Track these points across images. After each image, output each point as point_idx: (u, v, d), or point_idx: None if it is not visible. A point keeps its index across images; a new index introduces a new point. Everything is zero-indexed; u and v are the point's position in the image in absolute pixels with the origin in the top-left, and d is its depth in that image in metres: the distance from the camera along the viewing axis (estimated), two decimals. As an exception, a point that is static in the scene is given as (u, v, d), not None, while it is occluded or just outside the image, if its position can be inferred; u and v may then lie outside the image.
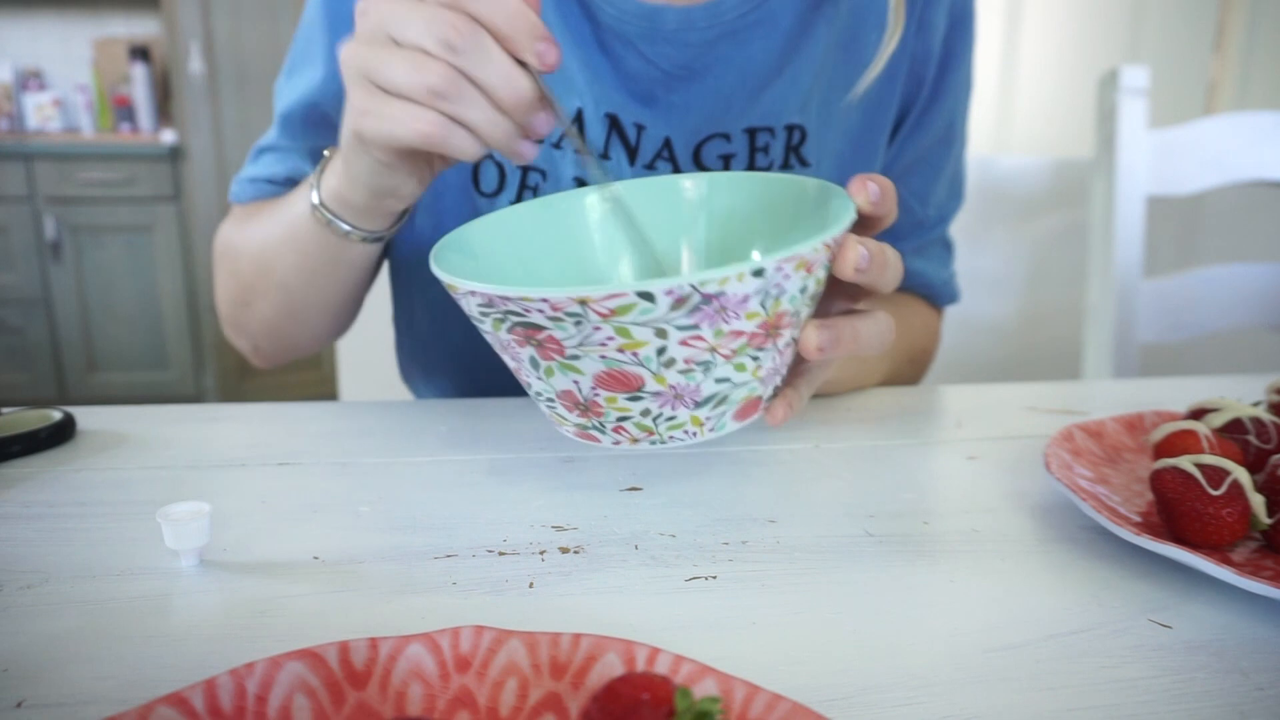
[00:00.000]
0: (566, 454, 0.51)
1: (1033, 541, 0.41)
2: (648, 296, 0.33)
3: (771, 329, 0.37)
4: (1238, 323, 1.06)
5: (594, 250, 0.49)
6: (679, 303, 0.33)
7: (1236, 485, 0.37)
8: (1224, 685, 0.30)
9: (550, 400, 0.40)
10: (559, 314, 0.34)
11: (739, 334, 0.36)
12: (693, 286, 0.33)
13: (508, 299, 0.34)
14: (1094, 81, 1.04)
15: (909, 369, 0.72)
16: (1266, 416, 0.45)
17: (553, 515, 0.43)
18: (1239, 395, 0.54)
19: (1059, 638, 0.33)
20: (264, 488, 0.45)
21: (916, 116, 0.66)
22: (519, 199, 0.61)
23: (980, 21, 0.70)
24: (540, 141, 0.42)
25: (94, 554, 0.38)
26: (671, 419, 0.39)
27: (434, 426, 0.55)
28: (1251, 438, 0.44)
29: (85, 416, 0.55)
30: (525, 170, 0.60)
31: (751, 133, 0.61)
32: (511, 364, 0.40)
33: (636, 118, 0.60)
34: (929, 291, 0.74)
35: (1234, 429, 0.45)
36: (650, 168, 0.61)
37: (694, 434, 0.40)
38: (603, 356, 0.36)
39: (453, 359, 0.70)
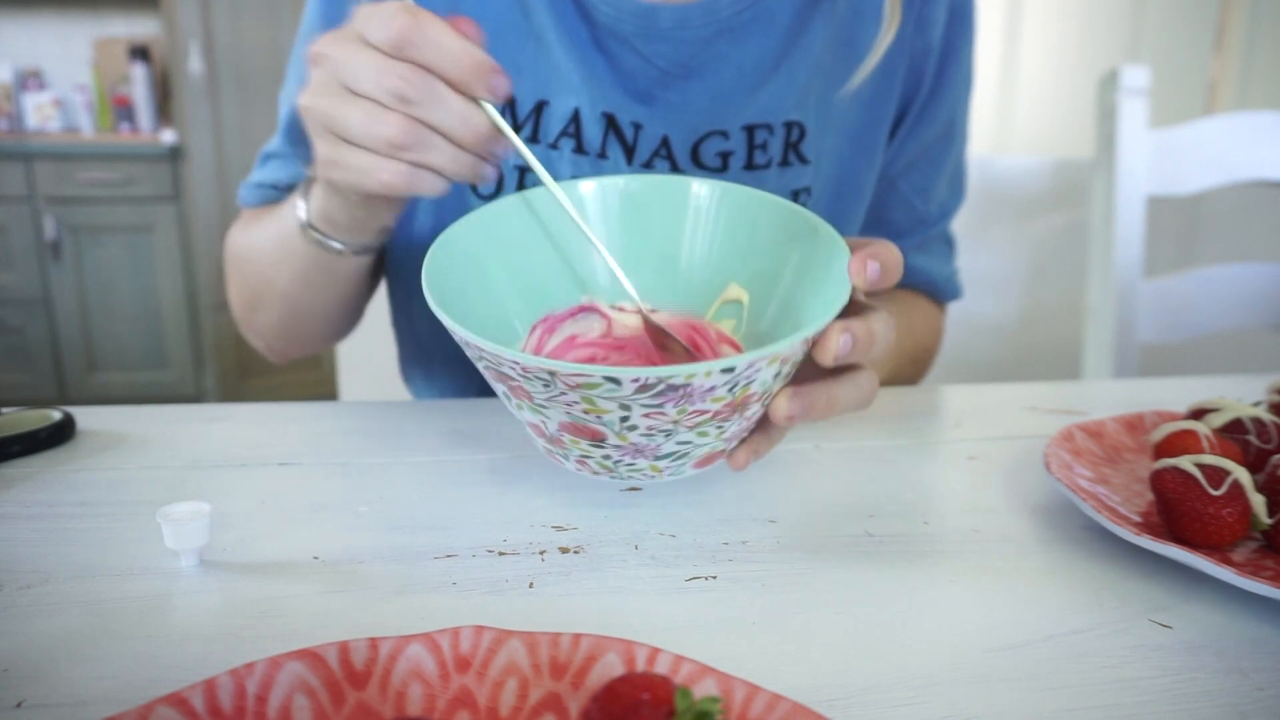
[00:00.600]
0: (566, 454, 0.51)
1: (1033, 541, 0.41)
2: (614, 381, 0.33)
3: (739, 407, 0.37)
4: (1238, 323, 1.06)
5: (579, 247, 0.49)
6: (643, 389, 0.34)
7: (1237, 485, 0.37)
8: (1224, 685, 0.30)
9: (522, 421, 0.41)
10: (529, 375, 0.35)
11: (703, 412, 0.36)
12: (660, 378, 0.33)
13: (483, 351, 0.35)
14: (1094, 81, 1.04)
15: (911, 368, 0.72)
16: (1266, 416, 0.45)
17: (553, 515, 0.43)
18: (1239, 395, 0.54)
19: (1059, 638, 0.33)
20: (264, 488, 0.45)
21: (917, 112, 0.66)
22: None
23: (980, 20, 0.69)
24: (499, 161, 0.43)
25: (94, 554, 0.38)
26: (632, 465, 0.40)
27: (434, 426, 0.55)
28: (1251, 438, 0.44)
29: (85, 416, 0.55)
30: (522, 171, 0.60)
31: (750, 130, 0.61)
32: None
33: (634, 116, 0.60)
34: (932, 288, 0.74)
35: (1234, 429, 0.45)
36: (648, 166, 0.61)
37: (653, 477, 0.41)
38: (568, 412, 0.36)
39: (452, 359, 0.70)
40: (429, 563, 0.38)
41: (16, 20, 3.21)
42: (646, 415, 0.35)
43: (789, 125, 0.62)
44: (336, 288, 0.58)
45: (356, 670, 0.26)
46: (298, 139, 0.63)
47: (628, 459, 0.39)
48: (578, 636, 0.27)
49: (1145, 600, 0.36)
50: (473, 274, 0.45)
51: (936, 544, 0.40)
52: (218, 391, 3.08)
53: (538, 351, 0.46)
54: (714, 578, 0.37)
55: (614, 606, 0.35)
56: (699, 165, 0.61)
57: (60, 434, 0.51)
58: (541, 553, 0.39)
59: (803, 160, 0.63)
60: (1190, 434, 0.43)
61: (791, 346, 0.35)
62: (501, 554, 0.39)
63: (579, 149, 0.60)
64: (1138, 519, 0.41)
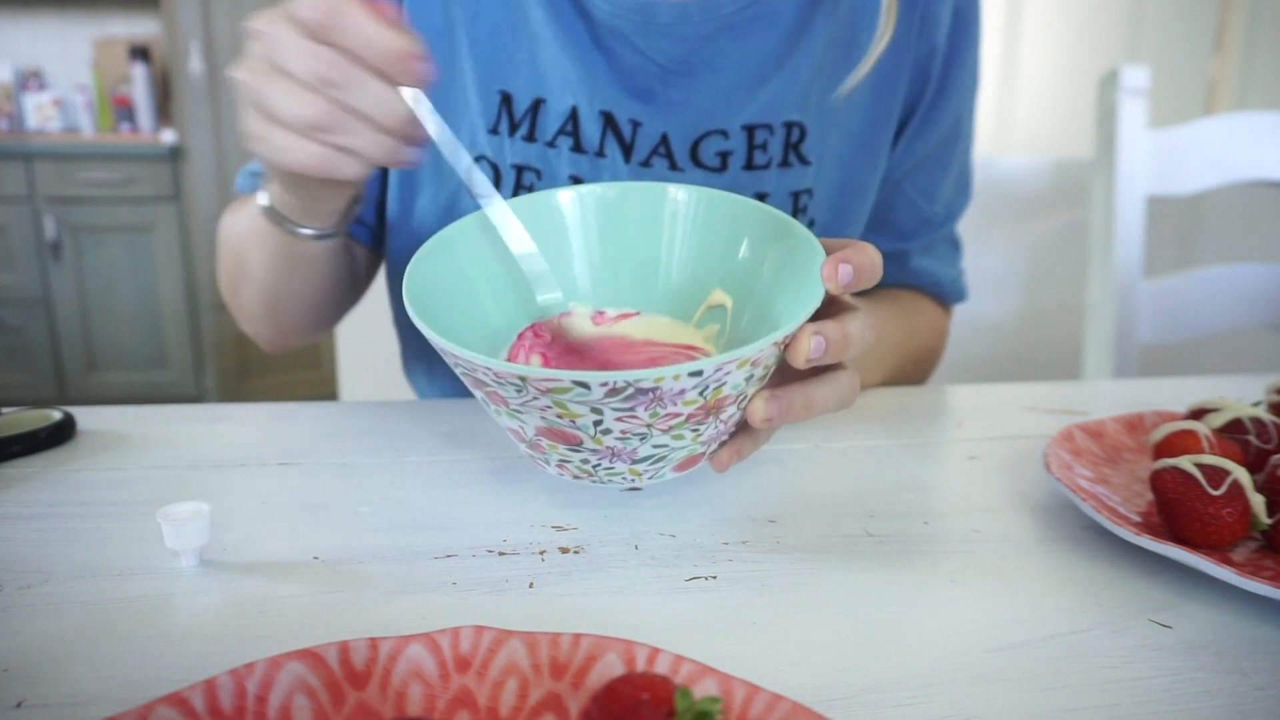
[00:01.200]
0: (566, 454, 0.50)
1: (1033, 541, 0.41)
2: (583, 385, 0.33)
3: (712, 409, 0.37)
4: (1238, 323, 1.06)
5: (571, 251, 0.49)
6: (613, 393, 0.34)
7: (1236, 485, 0.37)
8: (1224, 685, 0.30)
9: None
10: (502, 380, 0.35)
11: (676, 415, 0.36)
12: (628, 382, 0.33)
13: (458, 357, 0.35)
14: (1094, 81, 1.04)
15: (913, 369, 0.72)
16: (1266, 416, 0.45)
17: (553, 515, 0.43)
18: (1239, 395, 0.54)
19: (1059, 638, 0.33)
20: (264, 488, 0.45)
21: (923, 114, 0.66)
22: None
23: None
24: (423, 145, 0.43)
25: (94, 554, 0.38)
26: (610, 468, 0.40)
27: (434, 426, 0.55)
28: (1251, 438, 0.44)
29: (85, 416, 0.55)
30: (520, 170, 0.60)
31: (750, 129, 0.61)
32: None
33: (632, 114, 0.60)
34: (937, 290, 0.74)
35: (1234, 429, 0.45)
36: (646, 165, 0.61)
37: (632, 480, 0.41)
38: (543, 417, 0.36)
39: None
40: (429, 563, 0.38)
41: (16, 20, 3.21)
42: (620, 419, 0.36)
43: (789, 125, 0.62)
44: (306, 273, 0.59)
45: (356, 670, 0.26)
46: None
47: (605, 462, 0.39)
48: (578, 636, 0.27)
49: (1145, 600, 0.36)
50: (457, 282, 0.45)
51: (936, 544, 0.40)
52: (218, 391, 3.08)
53: (512, 358, 0.46)
54: (714, 578, 0.37)
55: (614, 606, 0.35)
56: (698, 165, 0.61)
57: (60, 434, 0.51)
58: (541, 553, 0.39)
59: (803, 161, 0.62)
60: (1190, 434, 0.43)
61: (760, 350, 0.35)
62: (501, 554, 0.39)
63: (577, 147, 0.60)
64: (1138, 519, 0.41)
